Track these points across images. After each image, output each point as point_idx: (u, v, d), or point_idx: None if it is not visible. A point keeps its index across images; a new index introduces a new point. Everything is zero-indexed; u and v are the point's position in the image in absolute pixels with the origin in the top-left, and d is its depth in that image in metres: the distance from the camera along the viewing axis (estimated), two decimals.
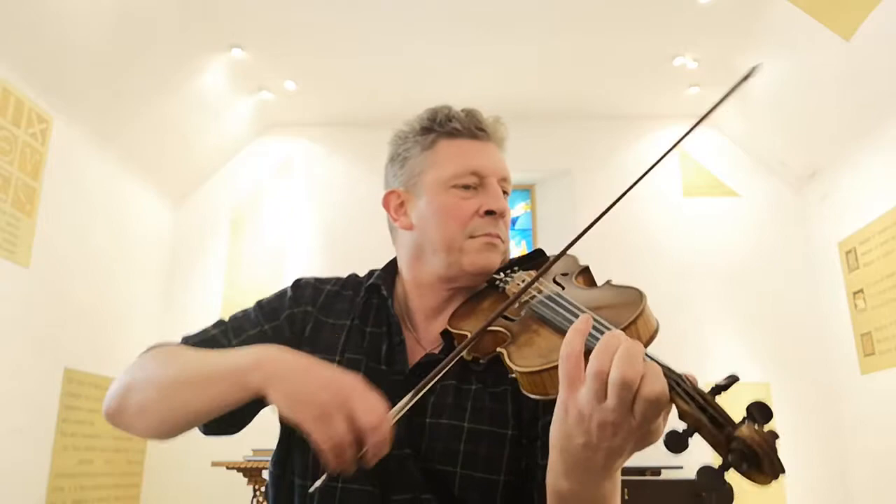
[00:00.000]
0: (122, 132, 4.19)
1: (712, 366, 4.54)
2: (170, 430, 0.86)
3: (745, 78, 0.81)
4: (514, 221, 5.36)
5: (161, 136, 4.46)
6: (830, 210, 4.47)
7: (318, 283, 1.07)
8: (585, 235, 0.81)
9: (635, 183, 0.80)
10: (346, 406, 0.71)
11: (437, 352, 0.94)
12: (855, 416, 4.20)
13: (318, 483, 0.71)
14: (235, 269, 4.91)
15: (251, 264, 4.92)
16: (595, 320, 0.68)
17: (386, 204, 1.04)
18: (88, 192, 3.99)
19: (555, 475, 0.69)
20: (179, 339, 0.99)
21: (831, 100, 4.01)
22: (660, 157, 0.78)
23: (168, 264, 4.90)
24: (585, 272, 0.95)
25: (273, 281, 4.86)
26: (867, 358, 4.03)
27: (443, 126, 1.01)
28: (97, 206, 4.08)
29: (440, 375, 0.76)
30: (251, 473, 3.31)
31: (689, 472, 4.07)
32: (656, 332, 0.72)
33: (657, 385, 0.58)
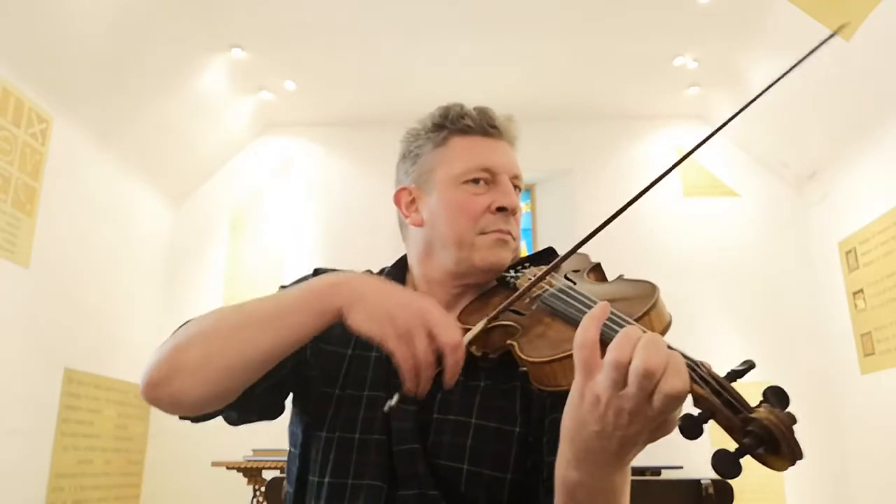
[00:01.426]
0: (122, 132, 4.19)
1: (711, 365, 4.54)
2: (232, 383, 0.82)
3: (822, 43, 0.78)
4: None
5: (161, 136, 4.46)
6: (830, 210, 4.47)
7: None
8: (585, 234, 0.81)
9: (669, 171, 0.81)
10: (427, 325, 0.73)
11: None
12: (855, 416, 4.20)
13: (391, 402, 0.73)
14: (235, 269, 4.91)
15: (251, 264, 4.92)
16: (613, 315, 0.67)
17: (397, 201, 1.03)
18: (88, 192, 3.99)
19: (565, 465, 0.68)
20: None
21: (831, 100, 4.01)
22: (710, 134, 0.79)
23: (168, 264, 4.90)
24: (597, 269, 0.95)
25: (273, 281, 4.86)
26: (867, 358, 4.03)
27: (455, 123, 1.01)
28: (97, 205, 4.08)
29: (512, 300, 0.81)
30: (251, 473, 3.31)
31: (689, 472, 4.07)
32: (669, 325, 0.71)
33: (679, 380, 0.57)
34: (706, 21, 3.98)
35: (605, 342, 0.61)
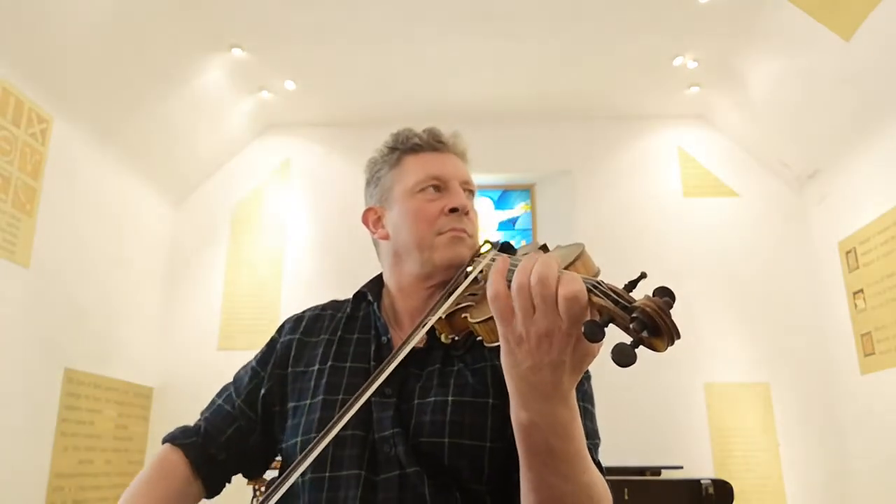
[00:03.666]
0: (121, 132, 4.19)
1: (712, 365, 4.55)
2: None
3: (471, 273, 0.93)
4: (514, 221, 5.36)
5: (161, 136, 4.47)
6: (830, 210, 4.48)
7: (298, 315, 1.18)
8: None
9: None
10: None
11: (422, 345, 1.01)
12: (855, 416, 4.20)
13: None
14: (235, 269, 4.91)
15: (251, 264, 4.92)
16: (512, 261, 0.75)
17: (365, 221, 1.16)
18: (88, 192, 3.99)
19: (515, 410, 0.74)
20: (199, 414, 1.15)
21: (831, 100, 4.01)
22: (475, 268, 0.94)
23: (168, 264, 4.90)
24: (543, 248, 1.03)
25: (273, 281, 4.86)
26: (867, 358, 4.03)
27: (405, 143, 1.13)
28: (97, 205, 4.08)
29: (448, 289, 0.86)
30: None
31: (689, 473, 4.07)
32: (597, 274, 0.77)
33: (574, 283, 0.65)
34: (706, 21, 3.98)
35: None
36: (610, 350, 0.59)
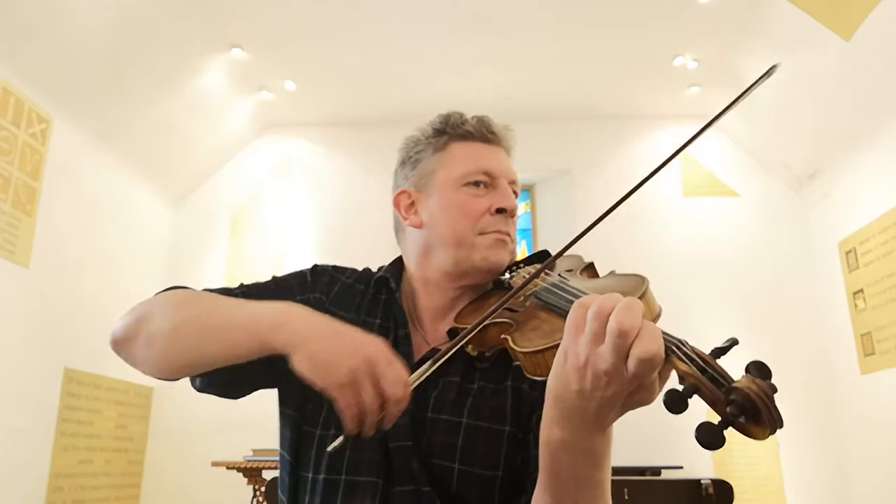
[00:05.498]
0: (122, 132, 4.19)
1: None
2: (172, 370, 0.87)
3: (766, 75, 0.79)
4: None
5: (161, 136, 4.46)
6: (830, 210, 4.47)
7: (335, 272, 1.07)
8: (584, 235, 0.82)
9: (650, 176, 0.81)
10: (373, 374, 0.72)
11: (442, 348, 0.95)
12: (855, 417, 4.20)
13: (336, 443, 0.73)
14: (235, 270, 4.91)
15: (251, 264, 4.92)
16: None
17: (396, 203, 1.06)
18: (88, 192, 3.99)
19: (548, 424, 0.69)
20: (201, 289, 1.00)
21: (831, 100, 4.01)
22: (690, 139, 0.80)
23: (168, 264, 4.89)
24: (590, 267, 0.97)
25: None
26: (867, 358, 4.03)
27: (455, 129, 1.05)
28: (97, 206, 4.08)
29: (459, 345, 0.79)
30: (251, 473, 3.31)
31: (689, 472, 4.07)
32: (658, 315, 0.73)
33: (652, 344, 0.58)
34: (706, 21, 3.98)
35: None
36: (695, 431, 0.54)
